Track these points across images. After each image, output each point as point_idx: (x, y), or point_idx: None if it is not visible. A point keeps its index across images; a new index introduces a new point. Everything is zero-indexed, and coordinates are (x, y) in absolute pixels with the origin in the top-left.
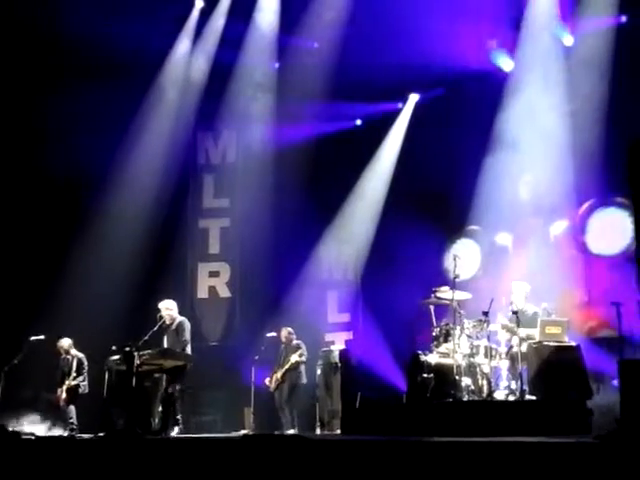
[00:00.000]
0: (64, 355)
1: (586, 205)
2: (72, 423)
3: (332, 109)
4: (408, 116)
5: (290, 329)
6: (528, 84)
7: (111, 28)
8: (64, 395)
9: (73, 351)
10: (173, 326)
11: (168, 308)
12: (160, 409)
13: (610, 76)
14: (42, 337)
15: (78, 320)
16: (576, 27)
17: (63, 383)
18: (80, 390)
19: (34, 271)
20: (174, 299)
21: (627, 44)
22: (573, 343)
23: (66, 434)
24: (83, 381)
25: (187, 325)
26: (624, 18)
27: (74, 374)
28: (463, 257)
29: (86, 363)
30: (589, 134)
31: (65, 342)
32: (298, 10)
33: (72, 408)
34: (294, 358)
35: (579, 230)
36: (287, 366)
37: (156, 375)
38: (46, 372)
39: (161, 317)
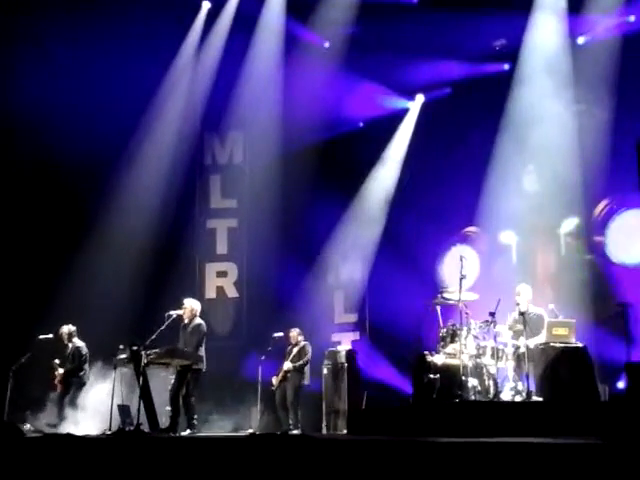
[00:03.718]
0: (66, 343)
1: (604, 205)
2: (62, 416)
3: (339, 110)
4: (415, 117)
5: (298, 330)
6: (536, 83)
7: (117, 30)
8: (58, 386)
9: (74, 339)
10: (190, 326)
11: (193, 308)
12: (168, 408)
13: (618, 77)
14: (50, 336)
15: (86, 319)
16: (585, 26)
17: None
18: (76, 381)
19: (41, 270)
20: (182, 299)
21: (635, 45)
22: (580, 344)
23: (53, 428)
24: (79, 371)
25: (204, 329)
26: (632, 18)
27: (69, 363)
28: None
29: (85, 352)
30: (596, 134)
31: (65, 329)
32: (307, 10)
33: (66, 401)
34: (286, 366)
35: (596, 232)
36: (285, 369)
37: (163, 374)
38: (54, 371)
39: (170, 316)
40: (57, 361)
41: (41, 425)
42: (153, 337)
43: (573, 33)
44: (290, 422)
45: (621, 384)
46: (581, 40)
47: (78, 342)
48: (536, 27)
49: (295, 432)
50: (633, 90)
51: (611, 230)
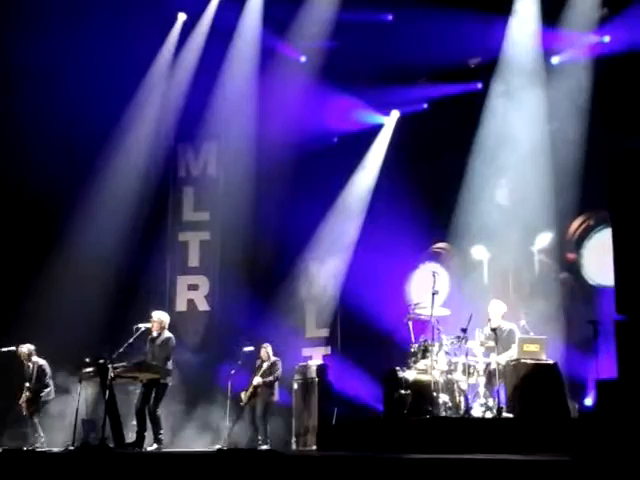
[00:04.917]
0: (26, 362)
1: (580, 222)
2: (37, 435)
3: (314, 124)
4: (390, 132)
5: (269, 346)
6: (510, 100)
7: (91, 40)
8: (25, 406)
9: (34, 358)
10: (159, 340)
11: (162, 321)
12: (134, 422)
13: (591, 97)
14: (13, 348)
15: (52, 332)
16: (559, 46)
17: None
18: (43, 399)
19: (7, 282)
20: (152, 312)
21: (607, 66)
22: (551, 361)
23: (32, 447)
24: (45, 388)
25: (173, 342)
26: (607, 38)
27: (34, 382)
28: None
29: (48, 370)
30: (568, 152)
31: (25, 348)
32: (284, 24)
33: (36, 420)
34: (256, 381)
35: (571, 249)
36: (254, 384)
37: (130, 388)
38: (17, 384)
39: (138, 329)
40: (27, 384)
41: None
42: (120, 350)
43: (547, 53)
44: (259, 437)
45: (588, 401)
46: (555, 60)
47: (40, 360)
48: (511, 45)
49: (264, 447)
50: (605, 110)
51: (587, 250)
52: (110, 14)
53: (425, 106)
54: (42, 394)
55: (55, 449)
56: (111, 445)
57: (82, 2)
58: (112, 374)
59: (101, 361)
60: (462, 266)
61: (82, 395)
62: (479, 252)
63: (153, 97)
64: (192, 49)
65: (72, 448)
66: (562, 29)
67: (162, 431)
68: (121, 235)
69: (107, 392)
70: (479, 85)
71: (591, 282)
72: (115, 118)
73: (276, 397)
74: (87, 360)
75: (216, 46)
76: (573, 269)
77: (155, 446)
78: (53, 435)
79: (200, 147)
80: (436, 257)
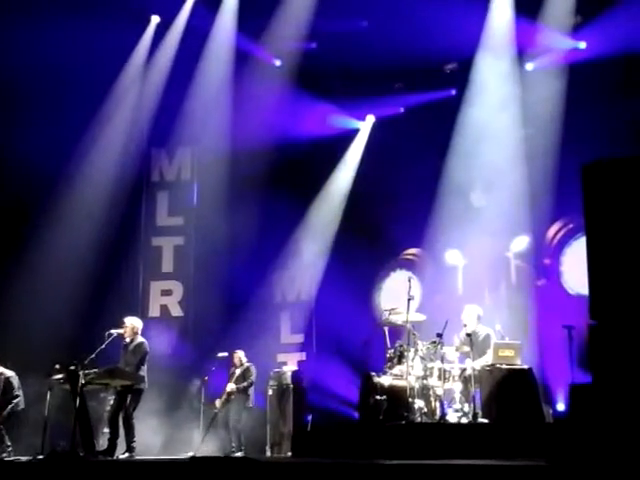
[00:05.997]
0: None
1: (558, 228)
2: (4, 445)
3: (289, 128)
4: (365, 137)
5: (242, 352)
6: (484, 106)
7: (64, 41)
8: None
9: (1, 369)
10: (132, 346)
11: (135, 326)
12: (106, 430)
13: (565, 102)
14: None
15: (22, 338)
16: (534, 53)
17: None
18: (11, 409)
19: None
20: (124, 317)
21: (580, 72)
22: (526, 366)
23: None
24: (14, 399)
25: (146, 348)
26: (584, 44)
27: (0, 395)
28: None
29: (16, 382)
30: (543, 157)
31: None
32: (259, 28)
33: (2, 431)
34: (230, 387)
35: (548, 255)
36: (228, 391)
37: (102, 395)
38: None
39: (110, 334)
40: None
41: None
42: (92, 356)
43: (523, 58)
44: (233, 444)
45: (560, 406)
46: (530, 66)
47: (6, 372)
48: (486, 50)
49: (238, 454)
50: (579, 116)
51: (567, 257)
52: (82, 16)
53: (402, 110)
54: (10, 406)
55: (23, 458)
56: (81, 453)
57: (53, 3)
58: (83, 380)
59: (72, 367)
60: (436, 272)
61: (52, 402)
62: (454, 257)
63: (126, 101)
64: (166, 52)
65: (41, 457)
66: (538, 32)
67: (135, 439)
68: (93, 240)
69: (78, 399)
70: (453, 92)
71: (570, 291)
72: (87, 122)
73: (251, 403)
74: (57, 366)
75: (190, 49)
76: (549, 275)
77: (127, 454)
78: (25, 444)
79: (174, 152)
80: (407, 265)
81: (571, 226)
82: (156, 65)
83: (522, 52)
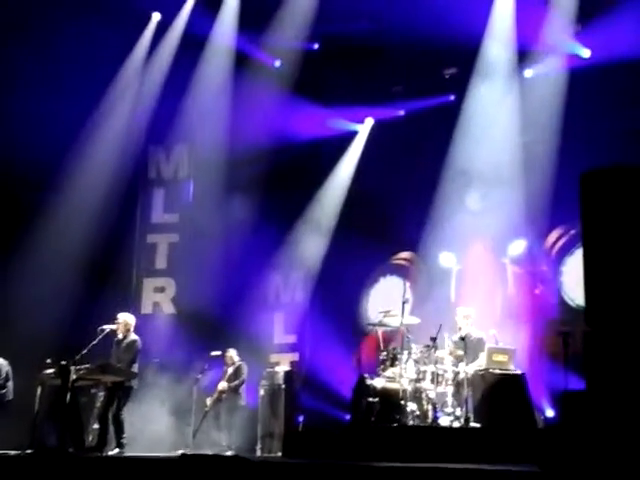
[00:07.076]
0: None
1: (558, 235)
2: None
3: (287, 129)
4: (364, 140)
5: (235, 350)
6: (483, 111)
7: (63, 38)
8: None
9: None
10: (124, 342)
11: (128, 323)
12: (96, 426)
13: (564, 109)
14: None
15: (14, 332)
16: (535, 56)
17: None
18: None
19: None
20: (118, 313)
21: (579, 79)
22: (519, 372)
23: None
24: (2, 388)
25: (139, 345)
26: (588, 52)
27: None
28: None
29: (4, 370)
30: (542, 164)
31: None
32: (259, 28)
33: None
34: (221, 386)
35: (546, 262)
36: (219, 389)
37: (92, 391)
38: None
39: (102, 330)
40: None
41: None
42: (84, 352)
43: (521, 65)
44: (224, 443)
45: (550, 412)
46: (529, 73)
47: None
48: (486, 57)
49: (228, 453)
50: (578, 123)
51: (568, 266)
52: (82, 14)
53: (401, 113)
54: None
55: (11, 452)
56: (70, 449)
57: (53, 3)
58: (74, 376)
59: (63, 362)
60: (429, 276)
61: (42, 397)
62: (447, 259)
63: (125, 98)
64: (165, 51)
65: (29, 452)
66: (540, 35)
67: (125, 435)
68: (88, 235)
69: (68, 394)
70: (452, 97)
71: (571, 303)
72: (86, 118)
73: (243, 402)
74: (49, 361)
75: (190, 49)
76: (546, 281)
77: (117, 450)
78: (10, 435)
79: (172, 150)
80: (398, 270)
81: (574, 231)
82: (155, 63)
83: (522, 56)
